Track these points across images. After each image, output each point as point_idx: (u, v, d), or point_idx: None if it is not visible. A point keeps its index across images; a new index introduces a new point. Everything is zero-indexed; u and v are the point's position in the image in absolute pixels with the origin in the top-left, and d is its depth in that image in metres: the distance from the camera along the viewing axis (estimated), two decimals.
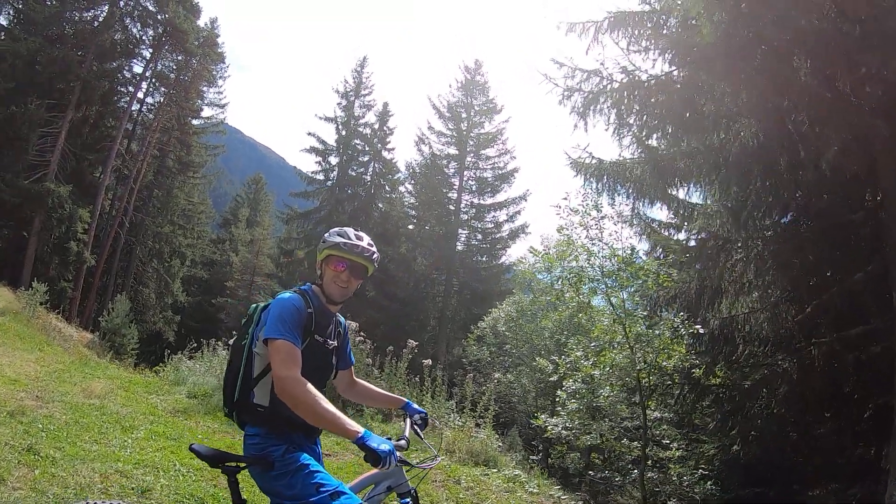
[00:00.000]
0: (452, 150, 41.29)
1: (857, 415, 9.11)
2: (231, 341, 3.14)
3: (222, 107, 46.80)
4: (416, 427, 3.38)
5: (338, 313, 3.27)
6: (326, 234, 3.15)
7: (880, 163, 7.78)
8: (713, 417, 11.01)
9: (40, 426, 7.14)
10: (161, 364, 15.21)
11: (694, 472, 11.22)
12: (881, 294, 8.24)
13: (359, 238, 3.10)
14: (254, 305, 3.16)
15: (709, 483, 11.11)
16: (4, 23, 35.17)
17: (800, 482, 9.88)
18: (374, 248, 3.13)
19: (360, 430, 2.52)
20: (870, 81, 7.31)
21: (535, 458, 14.48)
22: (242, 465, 2.86)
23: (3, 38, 33.81)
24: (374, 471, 2.75)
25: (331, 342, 3.14)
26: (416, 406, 3.44)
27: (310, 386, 2.66)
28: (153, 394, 11.18)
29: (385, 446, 2.46)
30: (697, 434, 11.76)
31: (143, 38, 39.57)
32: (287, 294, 3.02)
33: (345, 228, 3.16)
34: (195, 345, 15.30)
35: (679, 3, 8.31)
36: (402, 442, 3.07)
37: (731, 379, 10.52)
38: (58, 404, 8.61)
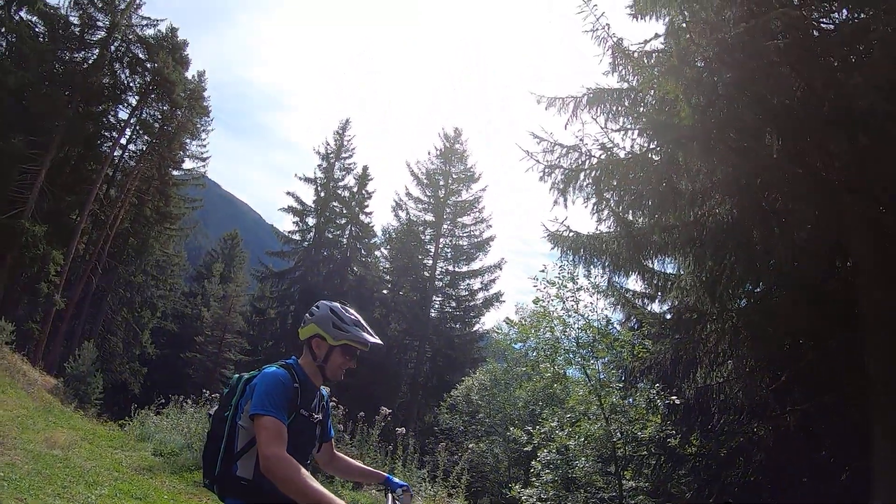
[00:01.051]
0: (429, 217, 41.64)
1: (833, 481, 9.19)
2: (212, 411, 3.11)
3: (204, 160, 46.95)
4: (398, 502, 3.33)
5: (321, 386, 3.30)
6: (339, 319, 3.16)
7: (852, 234, 8.05)
8: (689, 487, 10.99)
9: (2, 474, 7.02)
10: (126, 417, 14.95)
11: None
12: (855, 360, 8.45)
13: (371, 335, 3.16)
14: (236, 376, 3.15)
15: None
16: None
17: None
18: (380, 341, 3.22)
19: None
20: (838, 158, 7.67)
21: None
22: None
23: None
24: None
25: (315, 416, 3.14)
26: (396, 480, 3.41)
27: (295, 463, 2.68)
28: (118, 448, 11.03)
29: None
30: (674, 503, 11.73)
31: (131, 84, 39.91)
32: (274, 368, 3.02)
33: (354, 313, 3.20)
34: (162, 400, 15.08)
35: (656, 84, 8.64)
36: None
37: (707, 448, 10.58)
38: (20, 452, 8.47)
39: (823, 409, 9.14)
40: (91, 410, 19.69)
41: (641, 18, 9.86)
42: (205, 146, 46.71)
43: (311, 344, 3.16)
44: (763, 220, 8.13)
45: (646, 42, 10.03)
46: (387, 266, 42.70)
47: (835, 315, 9.10)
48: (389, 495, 3.37)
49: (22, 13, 35.12)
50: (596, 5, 9.34)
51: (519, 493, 13.53)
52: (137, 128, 41.47)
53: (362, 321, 3.18)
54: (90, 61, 37.02)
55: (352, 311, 3.21)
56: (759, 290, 10.03)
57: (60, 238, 34.77)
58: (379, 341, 3.16)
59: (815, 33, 8.32)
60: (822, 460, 9.60)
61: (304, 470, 2.68)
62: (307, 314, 3.22)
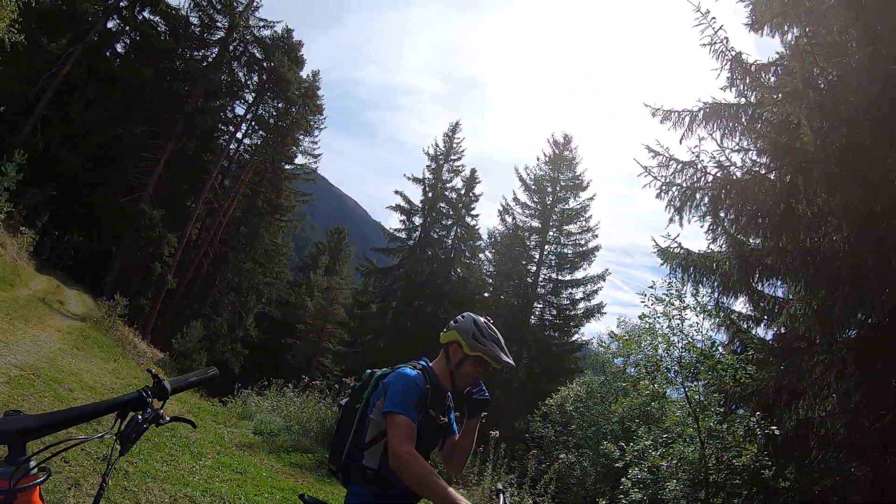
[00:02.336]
0: (535, 223, 41.52)
1: None
2: (343, 402, 3.29)
3: (315, 156, 48.68)
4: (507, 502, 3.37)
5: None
6: (480, 331, 3.28)
7: None
8: None
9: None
10: (229, 395, 15.58)
11: None
12: None
13: (506, 354, 3.29)
14: (368, 371, 3.34)
15: None
16: (121, 50, 37.92)
17: None
18: (512, 363, 3.32)
19: None
20: None
21: None
22: None
23: (118, 65, 36.27)
24: None
25: (442, 419, 3.30)
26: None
27: (423, 461, 2.80)
28: (220, 424, 11.53)
29: None
30: None
31: (248, 82, 42.18)
32: (409, 370, 3.17)
33: (495, 331, 3.32)
34: (265, 382, 15.62)
35: (778, 106, 8.36)
36: None
37: (801, 483, 10.13)
38: None
39: None
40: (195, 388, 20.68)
41: (760, 31, 9.59)
42: (316, 143, 48.49)
43: (449, 349, 3.33)
44: (879, 249, 7.74)
45: (768, 62, 9.71)
46: (490, 269, 42.82)
47: None
48: (501, 496, 3.45)
49: (145, 13, 37.59)
50: (714, 18, 9.13)
51: None
52: (253, 123, 43.56)
53: (501, 340, 3.30)
54: (209, 59, 39.25)
55: (494, 329, 3.34)
56: (870, 321, 9.52)
57: (176, 223, 37.01)
58: (512, 363, 3.28)
59: None
60: None
61: (430, 468, 2.79)
62: (451, 321, 3.38)
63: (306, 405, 12.67)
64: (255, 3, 40.48)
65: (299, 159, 48.37)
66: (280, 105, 42.90)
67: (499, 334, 3.32)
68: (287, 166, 47.23)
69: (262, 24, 41.22)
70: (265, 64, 41.08)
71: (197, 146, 40.05)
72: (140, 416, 2.02)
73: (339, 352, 43.54)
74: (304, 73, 44.33)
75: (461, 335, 3.27)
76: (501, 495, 3.42)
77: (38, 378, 8.97)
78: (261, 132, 43.81)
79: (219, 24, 39.56)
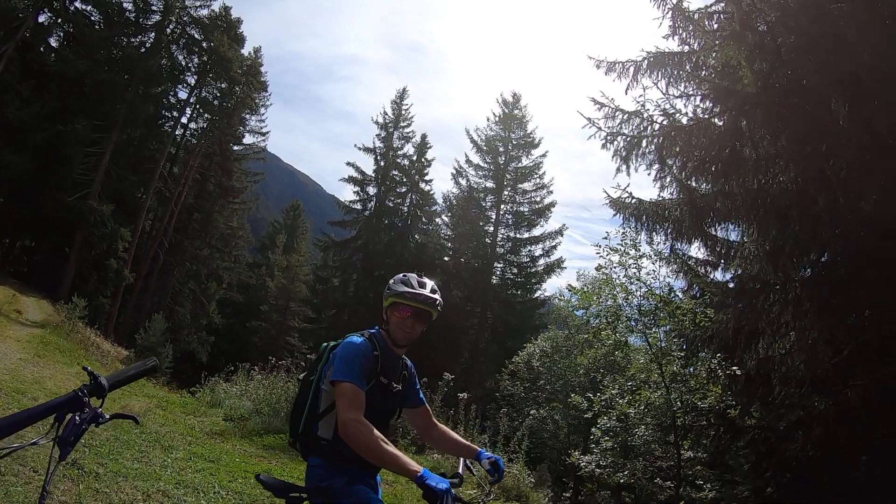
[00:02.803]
0: (490, 184, 41.62)
1: (893, 459, 8.96)
2: (301, 376, 3.28)
3: (263, 134, 47.92)
4: (469, 465, 3.38)
5: (404, 356, 3.41)
6: (391, 282, 3.28)
7: None
8: (747, 459, 10.85)
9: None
10: (197, 385, 15.47)
11: None
12: None
13: (422, 286, 3.24)
14: (324, 344, 3.31)
15: None
16: (55, 45, 36.72)
17: None
18: (437, 295, 3.26)
19: (419, 469, 2.64)
20: None
21: (566, 494, 14.39)
22: (305, 495, 3.05)
23: (53, 59, 35.15)
24: None
25: (395, 385, 3.27)
26: (488, 453, 3.37)
27: (371, 428, 2.80)
28: (190, 414, 11.41)
29: (442, 485, 2.56)
30: (731, 475, 11.59)
31: (189, 65, 41.18)
32: (355, 337, 3.15)
33: (409, 276, 3.30)
34: (231, 368, 15.52)
35: (718, 49, 8.42)
36: (456, 479, 3.16)
37: (766, 420, 10.41)
38: None
39: (886, 385, 8.88)
40: (162, 379, 20.41)
41: None
42: (263, 121, 47.70)
43: (385, 313, 3.29)
44: (828, 190, 7.88)
45: (708, 8, 9.76)
46: (448, 233, 42.98)
47: None
48: (462, 459, 3.41)
49: (77, 3, 36.35)
50: None
51: (578, 459, 13.65)
52: (197, 106, 42.59)
53: (414, 280, 3.26)
54: (147, 45, 38.09)
55: (412, 276, 3.30)
56: (824, 260, 9.74)
57: (127, 216, 36.27)
58: (422, 291, 3.22)
59: None
60: (883, 438, 9.35)
61: (377, 433, 2.79)
62: None
63: (274, 386, 12.61)
64: None
65: (247, 139, 47.68)
66: (223, 85, 41.93)
67: (416, 277, 3.29)
68: (235, 147, 46.41)
69: (198, 3, 40.02)
70: (205, 44, 40.04)
71: (142, 135, 39.13)
72: (78, 418, 2.00)
73: (304, 329, 43.42)
74: (245, 51, 43.39)
75: (384, 297, 3.27)
76: (462, 460, 3.40)
77: (1, 391, 8.76)
78: (206, 115, 42.79)
79: (154, 8, 38.28)
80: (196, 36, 40.30)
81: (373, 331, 3.29)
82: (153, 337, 24.08)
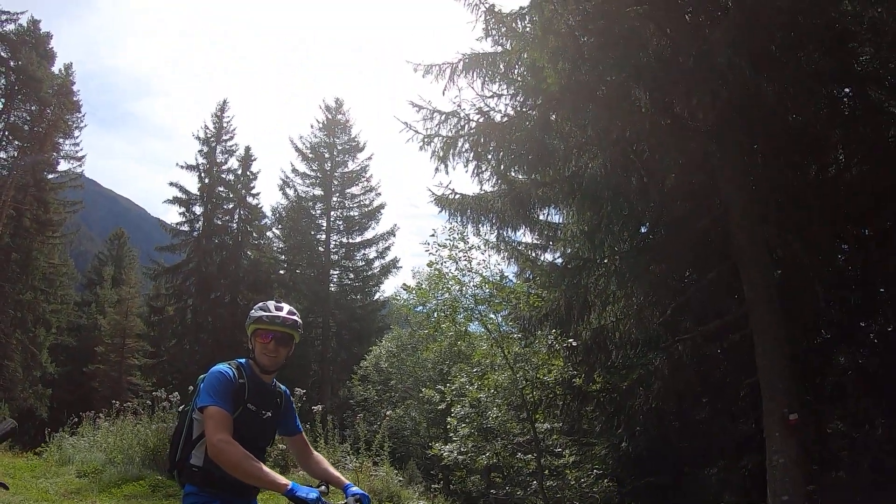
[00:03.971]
0: (318, 192, 41.12)
1: (732, 397, 10.15)
2: (180, 408, 3.41)
3: (79, 159, 43.83)
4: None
5: (279, 384, 3.53)
6: (251, 311, 3.40)
7: (718, 177, 8.78)
8: (599, 420, 11.77)
9: None
10: (42, 444, 14.45)
11: (589, 473, 11.98)
12: (734, 289, 9.33)
13: (278, 309, 3.36)
14: (201, 376, 3.33)
15: (605, 481, 11.92)
16: None
17: (690, 465, 10.82)
18: (295, 317, 3.39)
19: (288, 482, 2.82)
20: (702, 109, 8.33)
21: (436, 486, 14.79)
22: None
23: None
24: None
25: (265, 412, 3.36)
26: (355, 489, 3.41)
27: (238, 447, 2.92)
28: (40, 477, 10.66)
29: (312, 494, 2.78)
30: (587, 438, 12.48)
31: None
32: (222, 366, 3.25)
33: (266, 302, 3.43)
34: (75, 419, 14.65)
35: (526, 52, 9.03)
36: (324, 486, 3.37)
37: (609, 383, 11.34)
38: None
39: (710, 336, 10.02)
40: (2, 444, 18.84)
41: None
42: (78, 144, 43.65)
43: (247, 343, 3.42)
44: (635, 171, 8.73)
45: (520, 10, 10.34)
46: (281, 246, 41.93)
47: (712, 250, 9.86)
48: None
49: None
50: None
51: (440, 450, 14.09)
52: (6, 133, 38.61)
53: (271, 305, 3.39)
54: None
55: (270, 302, 3.44)
56: (643, 231, 10.70)
57: None
58: (280, 314, 3.34)
59: None
60: (718, 380, 10.55)
61: (245, 452, 2.91)
62: None
63: (124, 431, 12.04)
64: None
65: (62, 166, 43.22)
66: (34, 108, 38.21)
67: (272, 302, 3.44)
68: (50, 176, 42.40)
69: (4, 17, 36.32)
70: (12, 63, 36.36)
71: None
72: None
73: (145, 365, 40.89)
74: (55, 69, 39.63)
75: (246, 325, 3.41)
76: (352, 488, 3.42)
77: None
78: (16, 142, 38.91)
79: None
80: (2, 54, 36.60)
81: (241, 360, 3.38)
82: None
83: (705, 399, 10.70)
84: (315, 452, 3.68)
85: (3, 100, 37.12)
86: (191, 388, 3.41)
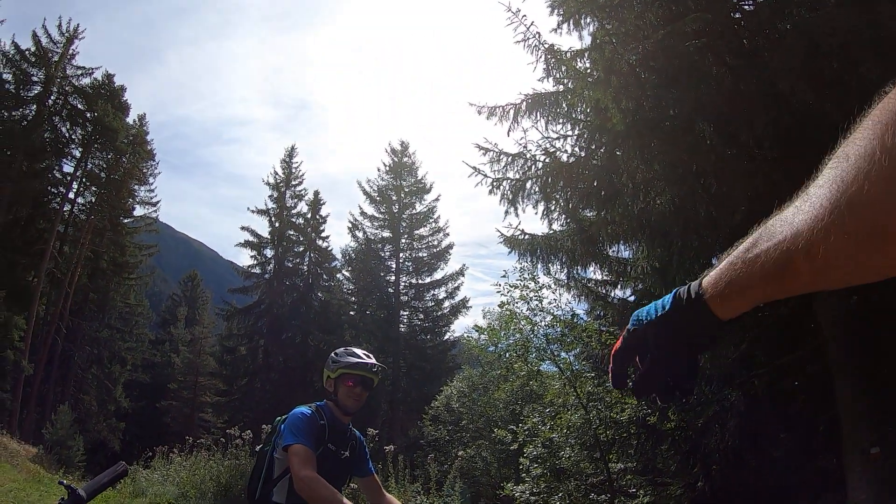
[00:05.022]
0: (386, 233, 41.89)
1: (810, 432, 9.77)
2: (257, 448, 3.60)
3: (154, 204, 46.23)
4: None
5: (353, 428, 3.73)
6: (336, 355, 3.64)
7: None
8: (673, 460, 11.49)
9: None
10: None
11: None
12: (809, 319, 9.11)
13: (367, 356, 3.62)
14: (277, 418, 3.59)
15: None
16: None
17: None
18: (377, 363, 3.64)
19: None
20: (766, 138, 8.25)
21: None
22: None
23: None
24: None
25: (343, 452, 3.56)
26: None
27: (325, 483, 3.05)
28: None
29: None
30: (662, 478, 12.17)
31: (73, 136, 39.15)
32: (304, 408, 3.45)
33: (353, 348, 3.68)
34: (149, 453, 15.09)
35: (587, 93, 9.13)
36: None
37: (684, 421, 11.09)
38: None
39: (785, 370, 9.76)
40: (76, 473, 19.50)
41: (559, 30, 10.36)
42: (153, 190, 46.02)
43: (326, 386, 3.62)
44: (704, 206, 8.67)
45: (582, 48, 10.45)
46: (350, 287, 42.70)
47: None
48: None
49: None
50: (525, 15, 9.79)
51: (512, 490, 13.95)
52: (84, 180, 40.51)
53: (358, 352, 3.65)
54: (29, 118, 36.36)
55: (353, 349, 3.68)
56: (713, 264, 10.52)
57: (19, 302, 33.99)
58: (368, 361, 3.60)
59: (738, 15, 8.87)
60: (795, 415, 10.22)
61: (331, 486, 3.06)
62: None
63: (197, 466, 12.40)
64: (70, 51, 37.88)
65: (138, 210, 45.57)
66: (110, 156, 40.17)
67: (359, 350, 3.70)
68: (126, 220, 44.37)
69: (80, 72, 38.45)
70: (88, 115, 38.35)
71: (28, 215, 36.79)
72: None
73: (217, 403, 42.06)
74: (130, 119, 41.84)
75: (326, 368, 3.62)
76: None
77: None
78: (94, 188, 40.86)
79: (35, 79, 36.49)
80: (79, 106, 38.53)
81: (320, 403, 3.59)
82: (61, 430, 22.97)
83: (783, 435, 10.35)
84: (387, 494, 3.82)
85: (80, 149, 39.02)
86: (264, 426, 3.62)
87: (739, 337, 9.99)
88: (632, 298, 12.89)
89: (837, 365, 8.15)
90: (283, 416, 3.51)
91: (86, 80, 39.19)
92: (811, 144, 8.18)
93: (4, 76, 36.05)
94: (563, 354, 13.40)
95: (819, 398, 9.25)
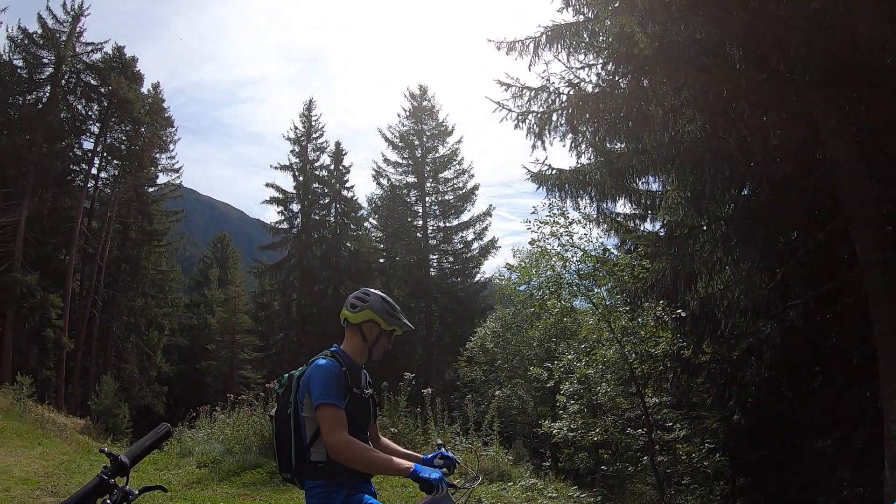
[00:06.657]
0: (411, 179, 41.70)
1: (845, 364, 9.54)
2: (272, 412, 3.43)
3: (177, 171, 46.27)
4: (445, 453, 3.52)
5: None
6: (370, 299, 3.46)
7: (823, 129, 8.22)
8: (709, 393, 11.40)
9: None
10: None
11: (701, 448, 11.66)
12: (845, 249, 8.81)
13: (401, 311, 3.53)
14: (286, 375, 3.44)
15: (717, 455, 11.56)
16: None
17: (803, 437, 10.33)
18: None
19: (411, 465, 2.91)
20: (799, 60, 7.86)
21: (545, 464, 14.72)
22: None
23: None
24: (428, 497, 2.92)
25: (367, 391, 3.46)
26: (439, 455, 3.52)
27: (356, 443, 3.01)
28: (163, 469, 11.17)
29: (435, 475, 2.82)
30: (697, 411, 12.12)
31: (90, 113, 39.19)
32: (321, 360, 3.29)
33: (386, 298, 3.51)
34: (193, 413, 15.33)
35: (611, 19, 8.77)
36: (446, 469, 3.42)
37: (719, 353, 10.96)
38: None
39: (822, 300, 9.51)
40: (125, 440, 19.89)
41: None
42: (174, 157, 45.89)
43: (364, 328, 3.44)
44: (736, 130, 8.36)
45: None
46: (378, 235, 42.79)
47: (820, 208, 9.38)
48: (441, 450, 3.56)
49: None
50: None
51: (549, 427, 14.03)
52: (105, 154, 40.61)
53: (395, 305, 3.52)
54: (44, 100, 36.44)
55: (388, 299, 3.53)
56: (745, 193, 10.24)
57: (54, 281, 34.58)
58: (403, 318, 3.50)
59: None
60: (830, 347, 10.00)
61: (364, 445, 3.04)
62: (355, 300, 3.49)
63: (240, 423, 12.52)
64: (78, 29, 37.61)
65: (161, 178, 45.74)
66: (128, 128, 40.25)
67: (393, 302, 3.56)
68: (151, 189, 44.58)
69: (90, 48, 38.21)
70: (103, 89, 38.35)
71: (54, 194, 37.21)
72: (109, 501, 2.03)
73: (255, 359, 42.81)
74: (144, 89, 41.61)
75: (377, 314, 3.42)
76: (441, 449, 3.57)
77: None
78: (115, 161, 41.14)
79: (45, 61, 36.42)
80: (93, 82, 38.49)
81: (333, 349, 3.44)
82: (106, 400, 23.41)
83: (818, 367, 10.15)
84: (382, 438, 3.76)
85: (98, 124, 39.15)
86: (268, 385, 3.46)
87: (774, 267, 9.76)
88: (662, 231, 12.64)
89: (874, 295, 7.85)
90: (296, 372, 3.38)
91: (96, 56, 38.92)
92: (845, 65, 7.81)
93: (15, 61, 36.08)
94: (595, 290, 13.23)
95: (856, 330, 9.00)
